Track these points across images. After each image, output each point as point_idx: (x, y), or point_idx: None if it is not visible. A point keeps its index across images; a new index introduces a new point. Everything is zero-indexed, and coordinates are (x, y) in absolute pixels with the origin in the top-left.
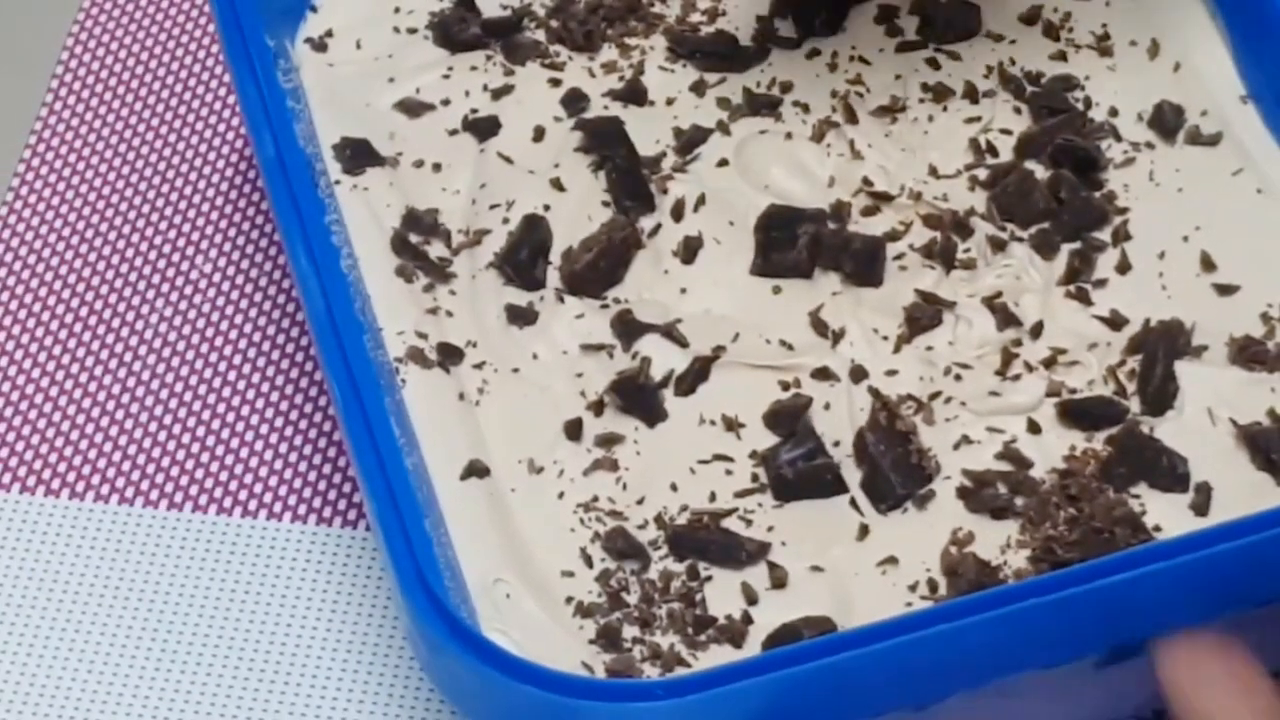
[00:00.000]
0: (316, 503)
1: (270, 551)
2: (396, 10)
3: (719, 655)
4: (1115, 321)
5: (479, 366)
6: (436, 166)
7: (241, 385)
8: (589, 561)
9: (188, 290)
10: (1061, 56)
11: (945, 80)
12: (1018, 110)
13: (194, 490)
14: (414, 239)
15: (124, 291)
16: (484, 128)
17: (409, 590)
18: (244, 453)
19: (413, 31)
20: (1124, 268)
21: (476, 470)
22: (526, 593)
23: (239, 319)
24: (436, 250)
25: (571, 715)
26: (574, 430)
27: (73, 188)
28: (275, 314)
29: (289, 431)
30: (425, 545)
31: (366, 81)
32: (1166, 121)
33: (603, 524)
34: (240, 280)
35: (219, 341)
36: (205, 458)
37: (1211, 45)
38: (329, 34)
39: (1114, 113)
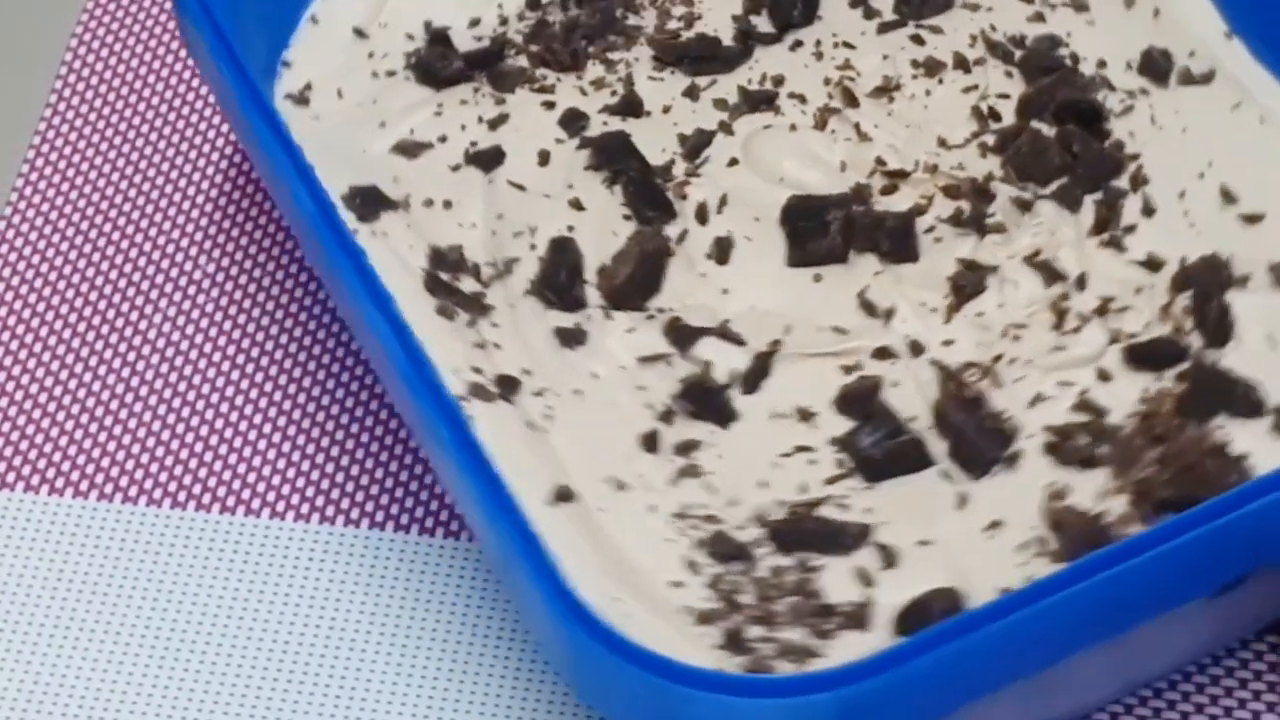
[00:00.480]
0: (320, 501)
1: (274, 550)
2: (370, 55)
3: (849, 641)
4: (1153, 263)
5: (539, 394)
6: (447, 204)
7: (245, 385)
8: (695, 569)
9: (190, 289)
10: (1039, 18)
11: (933, 54)
12: (1009, 74)
13: (197, 489)
14: (445, 277)
15: (127, 291)
16: (487, 159)
17: (562, 614)
18: (247, 452)
19: (392, 74)
20: (1149, 211)
21: (562, 495)
22: (642, 608)
23: (240, 318)
24: (468, 285)
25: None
26: (650, 442)
27: (76, 188)
28: (278, 314)
29: (291, 431)
30: (553, 570)
31: (356, 129)
32: (1157, 66)
33: (699, 530)
34: (243, 280)
35: (221, 340)
36: (208, 456)
37: None
38: (308, 87)
39: (1103, 64)
